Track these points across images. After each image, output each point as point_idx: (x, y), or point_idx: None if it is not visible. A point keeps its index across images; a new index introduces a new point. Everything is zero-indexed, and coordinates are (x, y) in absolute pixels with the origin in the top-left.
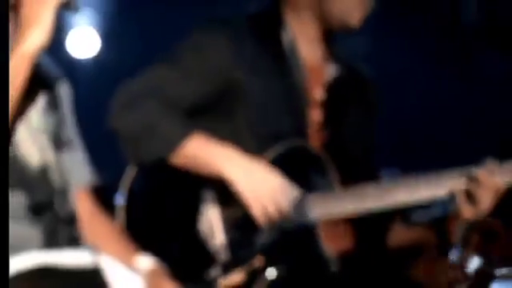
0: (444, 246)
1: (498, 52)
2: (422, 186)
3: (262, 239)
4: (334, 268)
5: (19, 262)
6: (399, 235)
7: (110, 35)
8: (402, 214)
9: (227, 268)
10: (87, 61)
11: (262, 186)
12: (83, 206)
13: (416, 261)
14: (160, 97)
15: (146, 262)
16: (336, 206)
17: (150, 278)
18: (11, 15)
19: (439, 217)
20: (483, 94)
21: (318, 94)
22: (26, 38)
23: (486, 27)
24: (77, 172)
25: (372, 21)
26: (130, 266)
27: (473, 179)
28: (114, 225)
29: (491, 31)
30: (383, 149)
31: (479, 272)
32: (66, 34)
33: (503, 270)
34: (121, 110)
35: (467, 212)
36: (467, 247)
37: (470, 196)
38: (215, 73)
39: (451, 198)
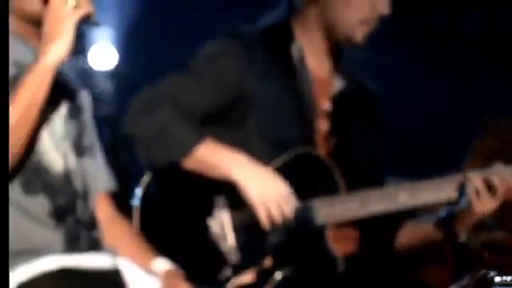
0: (450, 244)
1: (497, 63)
2: (423, 190)
3: (272, 241)
4: (340, 268)
5: (42, 265)
6: (407, 233)
7: (126, 50)
8: (409, 216)
9: (238, 269)
10: (106, 73)
11: (268, 190)
12: (103, 210)
13: (428, 265)
14: (174, 104)
15: (162, 264)
16: (342, 209)
17: (166, 279)
18: (28, 28)
19: (446, 216)
20: (482, 104)
21: (325, 104)
22: (49, 51)
23: (486, 39)
24: (97, 177)
25: (372, 33)
26: (147, 268)
27: (484, 178)
28: (132, 228)
29: (490, 43)
30: (385, 156)
31: (479, 279)
32: (88, 49)
33: (503, 277)
34: (136, 115)
35: (478, 208)
36: (481, 265)
37: (481, 193)
38: (227, 83)
39: (462, 193)
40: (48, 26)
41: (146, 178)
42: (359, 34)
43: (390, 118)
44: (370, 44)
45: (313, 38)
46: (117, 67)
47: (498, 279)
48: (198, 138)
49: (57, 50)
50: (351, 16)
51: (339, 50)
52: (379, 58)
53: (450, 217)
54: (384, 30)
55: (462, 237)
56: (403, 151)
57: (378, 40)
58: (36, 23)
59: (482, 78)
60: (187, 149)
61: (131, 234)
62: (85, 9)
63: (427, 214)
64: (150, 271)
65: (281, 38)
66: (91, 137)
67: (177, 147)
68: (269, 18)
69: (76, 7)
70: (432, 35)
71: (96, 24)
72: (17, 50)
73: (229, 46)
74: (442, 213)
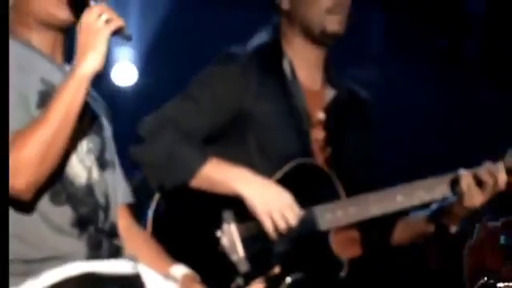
0: (442, 235)
1: (496, 85)
2: (418, 190)
3: (279, 249)
4: (344, 272)
5: (67, 271)
6: (401, 229)
7: (144, 68)
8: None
9: (249, 278)
10: (127, 88)
11: (272, 202)
12: (123, 220)
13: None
14: (177, 129)
15: (179, 268)
16: (343, 214)
17: (184, 282)
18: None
19: (437, 210)
20: (481, 123)
21: (319, 114)
22: (83, 62)
23: (486, 62)
24: (118, 190)
25: (382, 57)
26: (165, 273)
27: (474, 175)
28: (150, 237)
29: (491, 66)
30: (390, 165)
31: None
32: (110, 67)
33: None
34: (141, 142)
35: (468, 202)
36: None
37: (471, 188)
38: (226, 105)
39: (454, 189)
40: (82, 38)
41: (157, 194)
42: (331, 23)
43: (396, 133)
44: (380, 68)
45: (299, 50)
46: (137, 84)
47: (500, 285)
48: (203, 158)
49: (92, 62)
50: (317, 9)
51: (328, 61)
52: (388, 80)
53: (441, 211)
54: (392, 50)
55: (453, 229)
56: (405, 159)
57: (388, 64)
58: (60, 31)
59: (478, 96)
60: (193, 169)
61: (150, 242)
62: (117, 22)
63: (418, 209)
64: (168, 276)
65: (272, 56)
66: (112, 152)
67: (184, 169)
68: (258, 39)
69: (108, 21)
70: (435, 56)
71: (128, 37)
72: (44, 68)
73: (225, 70)
74: (434, 207)
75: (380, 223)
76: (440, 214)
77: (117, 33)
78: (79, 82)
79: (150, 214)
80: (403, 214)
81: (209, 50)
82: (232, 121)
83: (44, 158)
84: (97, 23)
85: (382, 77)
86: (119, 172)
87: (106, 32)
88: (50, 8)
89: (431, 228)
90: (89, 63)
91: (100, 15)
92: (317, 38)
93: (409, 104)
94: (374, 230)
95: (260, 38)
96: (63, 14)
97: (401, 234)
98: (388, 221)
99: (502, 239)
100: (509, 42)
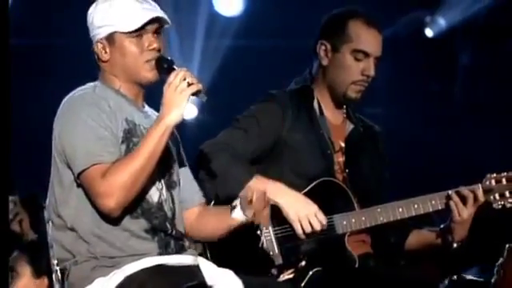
0: (448, 246)
1: (479, 122)
2: (414, 205)
3: (305, 247)
4: (356, 266)
5: (142, 263)
6: (414, 239)
7: (202, 106)
8: (416, 226)
9: (282, 269)
10: (189, 121)
11: (301, 210)
12: (200, 215)
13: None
14: (230, 151)
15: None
16: (356, 221)
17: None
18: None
19: (444, 227)
20: (466, 150)
21: (340, 143)
22: (169, 114)
23: (471, 103)
24: (194, 196)
25: (387, 98)
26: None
27: (459, 192)
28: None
29: (474, 106)
30: (395, 186)
31: None
32: None
33: None
34: (203, 162)
35: (457, 216)
36: None
37: (461, 207)
38: (267, 134)
39: (448, 207)
40: (168, 95)
41: (212, 203)
42: (352, 92)
43: (399, 159)
44: (387, 105)
45: (326, 95)
46: (196, 119)
47: None
48: (250, 175)
49: (175, 115)
50: (345, 79)
51: (348, 103)
52: (392, 112)
53: (446, 227)
54: (395, 93)
55: (454, 244)
56: (406, 182)
57: (393, 102)
58: (143, 87)
59: (464, 129)
60: (243, 184)
61: (216, 207)
62: (197, 86)
63: (430, 226)
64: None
65: (305, 97)
66: (177, 173)
67: (235, 183)
68: (295, 84)
69: (190, 84)
70: (429, 97)
71: (203, 98)
72: (128, 110)
73: (268, 106)
74: (442, 225)
75: (397, 231)
76: (445, 230)
77: (195, 94)
78: (164, 129)
79: None
80: (417, 226)
81: (256, 91)
82: (272, 146)
83: (133, 185)
84: (181, 85)
85: (386, 113)
86: (194, 182)
87: (188, 93)
88: (144, 72)
89: (438, 241)
90: (173, 116)
91: (184, 79)
92: (337, 99)
93: (408, 135)
94: (392, 235)
95: (296, 83)
96: (152, 77)
97: (413, 241)
98: (403, 229)
99: None
100: (488, 87)
